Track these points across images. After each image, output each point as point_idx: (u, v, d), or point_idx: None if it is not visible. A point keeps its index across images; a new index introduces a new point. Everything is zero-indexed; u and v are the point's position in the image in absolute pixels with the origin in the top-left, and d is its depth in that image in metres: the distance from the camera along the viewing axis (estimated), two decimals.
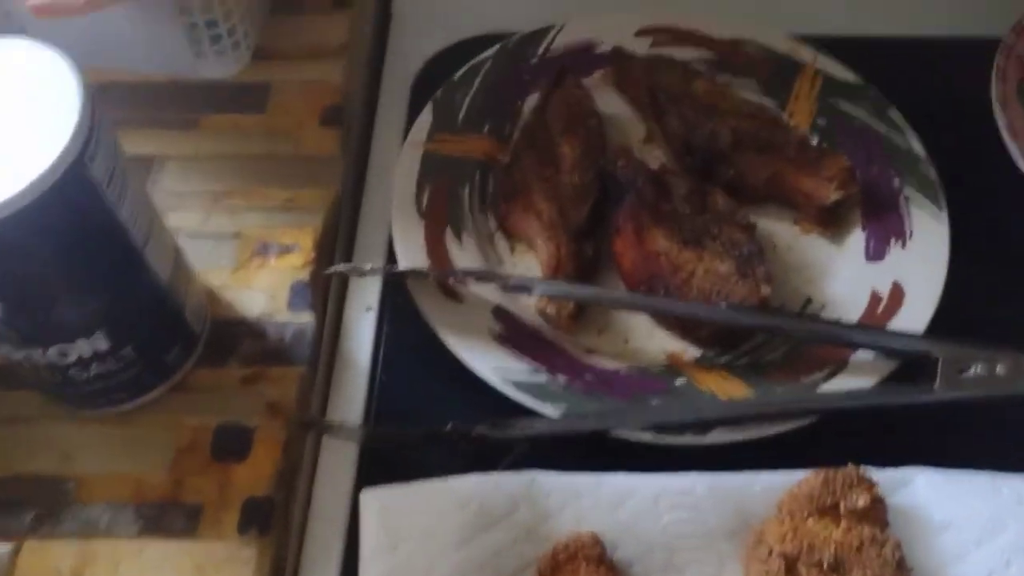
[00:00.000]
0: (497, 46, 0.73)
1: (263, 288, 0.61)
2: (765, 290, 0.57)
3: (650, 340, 0.61)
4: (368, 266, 0.60)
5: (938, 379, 0.53)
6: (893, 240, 0.63)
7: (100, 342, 0.50)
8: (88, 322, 0.49)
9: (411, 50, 0.77)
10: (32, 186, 0.42)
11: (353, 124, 0.71)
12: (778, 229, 0.66)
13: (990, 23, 0.73)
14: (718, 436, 0.54)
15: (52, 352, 0.49)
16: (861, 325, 0.58)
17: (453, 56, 0.75)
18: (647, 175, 0.63)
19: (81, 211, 0.45)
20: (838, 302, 0.61)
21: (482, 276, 0.59)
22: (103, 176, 0.45)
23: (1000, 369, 0.53)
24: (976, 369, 0.53)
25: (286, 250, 0.62)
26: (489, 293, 0.61)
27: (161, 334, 0.54)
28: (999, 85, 0.67)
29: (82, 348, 0.50)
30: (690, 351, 0.60)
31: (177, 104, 0.69)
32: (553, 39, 0.74)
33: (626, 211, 0.62)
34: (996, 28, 0.72)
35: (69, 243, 0.45)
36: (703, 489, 0.50)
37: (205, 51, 0.68)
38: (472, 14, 0.78)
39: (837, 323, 0.59)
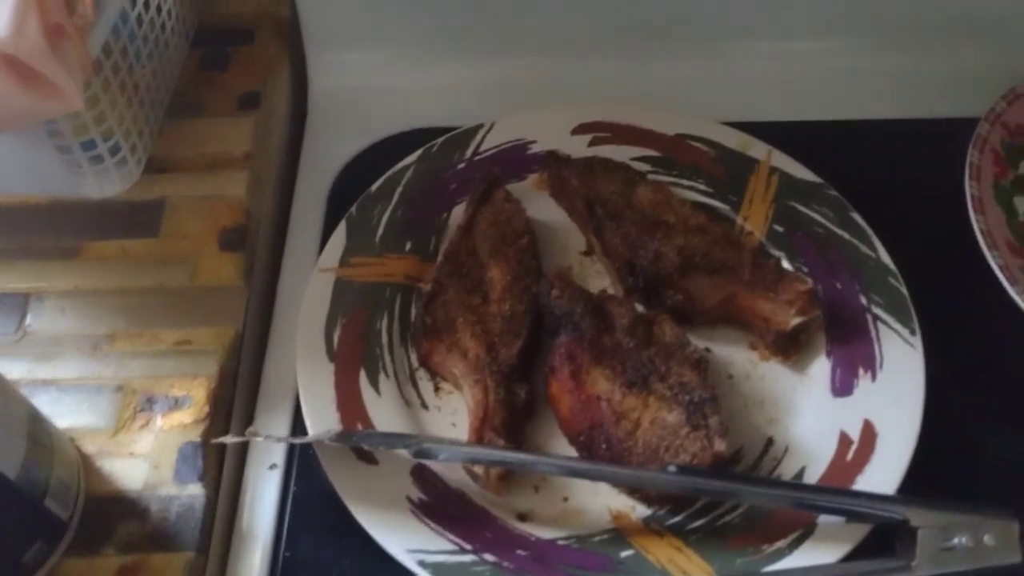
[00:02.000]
0: (420, 151, 0.65)
1: (146, 454, 0.53)
2: (719, 445, 0.50)
3: (594, 497, 0.53)
4: (262, 437, 0.53)
5: (917, 554, 0.46)
6: (862, 370, 0.56)
7: None
8: None
9: (328, 152, 0.70)
10: None
11: (259, 247, 0.63)
12: (734, 355, 0.59)
13: (962, 103, 0.66)
14: None
15: None
16: (828, 488, 0.51)
17: (375, 157, 0.68)
18: (585, 305, 0.56)
19: None
20: (803, 445, 0.54)
21: (390, 443, 0.51)
22: None
23: (988, 539, 0.46)
24: (961, 539, 0.46)
25: (175, 405, 0.55)
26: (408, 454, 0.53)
27: (13, 534, 0.46)
28: (973, 185, 0.61)
29: None
30: (638, 510, 0.53)
31: (57, 229, 0.62)
32: (482, 140, 0.66)
33: (562, 349, 0.55)
34: (970, 108, 0.65)
35: None
36: None
37: (85, 172, 0.60)
38: (396, 109, 0.72)
39: (801, 487, 0.52)
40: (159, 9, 0.63)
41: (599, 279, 0.62)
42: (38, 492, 0.47)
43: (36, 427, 0.47)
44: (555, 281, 0.57)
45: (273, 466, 0.56)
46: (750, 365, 0.58)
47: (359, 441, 0.51)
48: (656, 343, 0.55)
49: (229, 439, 0.52)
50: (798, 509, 0.49)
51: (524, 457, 0.51)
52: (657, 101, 0.69)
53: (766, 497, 0.49)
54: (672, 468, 0.49)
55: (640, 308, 0.58)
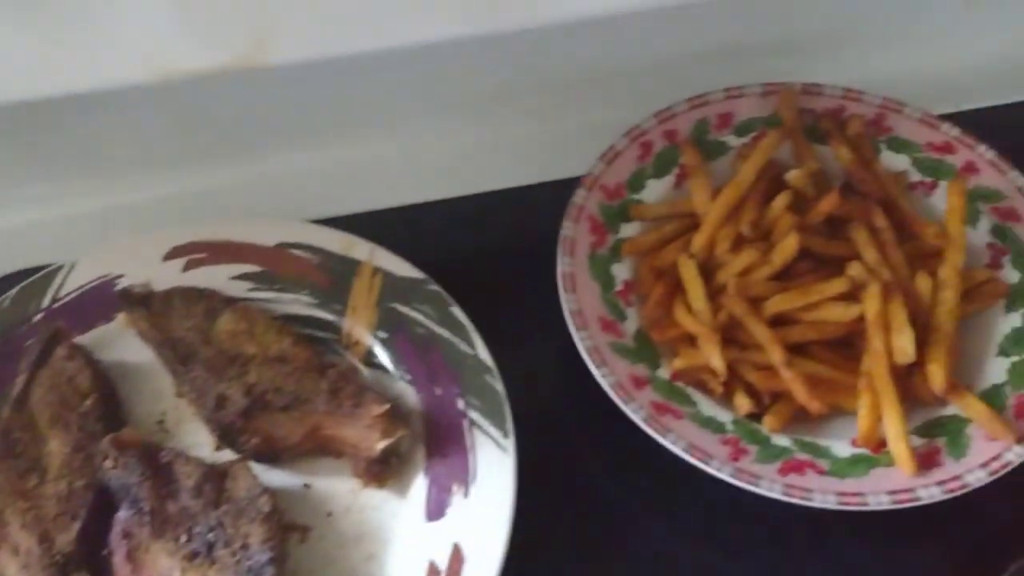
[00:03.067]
0: None
1: None
2: None
3: None
4: None
5: None
6: (456, 487, 0.53)
7: None
8: None
9: None
10: None
11: None
12: (336, 488, 0.55)
13: (556, 168, 0.65)
14: None
15: None
16: None
17: None
18: (144, 471, 0.51)
19: None
20: None
21: None
22: None
23: None
24: None
25: None
26: None
27: None
28: (566, 261, 0.59)
29: None
30: None
31: None
32: (63, 283, 0.61)
33: (118, 528, 0.50)
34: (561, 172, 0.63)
35: None
36: None
37: None
38: None
39: None
40: None
41: (195, 424, 0.57)
42: None
43: None
44: (109, 449, 0.51)
45: None
46: (351, 496, 0.55)
47: None
48: (228, 500, 0.51)
49: None
50: None
51: None
52: (261, 208, 0.65)
53: None
54: None
55: (223, 460, 0.53)
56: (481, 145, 0.68)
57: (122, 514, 0.50)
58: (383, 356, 0.59)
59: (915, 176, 0.64)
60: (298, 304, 0.61)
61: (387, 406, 0.53)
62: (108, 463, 0.51)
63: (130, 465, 0.51)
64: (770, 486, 0.50)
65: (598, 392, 0.53)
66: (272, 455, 0.54)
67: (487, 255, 0.63)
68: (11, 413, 0.54)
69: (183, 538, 0.49)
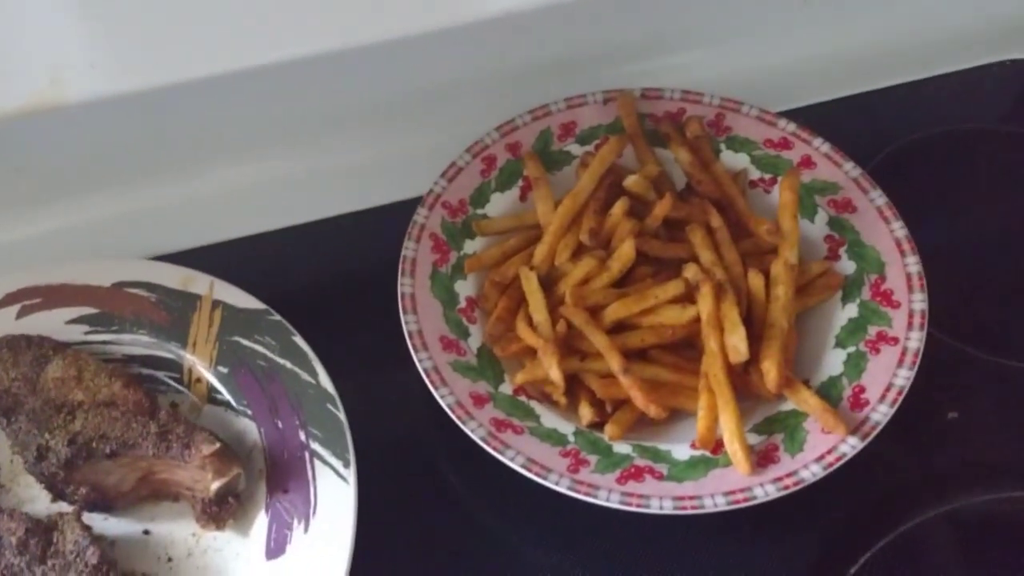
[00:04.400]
0: None
1: None
2: None
3: None
4: None
5: None
6: (296, 521, 0.52)
7: None
8: None
9: None
10: None
11: None
12: (175, 533, 0.54)
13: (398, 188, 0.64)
14: None
15: None
16: None
17: None
18: None
19: None
20: None
21: None
22: None
23: None
24: None
25: None
26: None
27: None
28: (405, 282, 0.58)
29: None
30: None
31: None
32: None
33: None
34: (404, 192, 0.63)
35: None
36: None
37: None
38: None
39: None
40: None
41: (30, 478, 0.55)
42: None
43: None
44: None
45: None
46: (193, 540, 0.53)
47: None
48: (54, 555, 0.49)
49: None
50: None
51: None
52: (99, 248, 0.63)
53: None
54: None
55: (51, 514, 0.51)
56: (318, 171, 0.68)
57: None
58: (225, 391, 0.57)
59: (755, 174, 0.65)
60: (137, 345, 0.59)
61: (217, 445, 0.51)
62: None
63: None
64: (608, 496, 0.50)
65: (443, 411, 0.53)
66: (105, 504, 0.52)
67: (329, 281, 0.63)
68: None
69: None
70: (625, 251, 0.57)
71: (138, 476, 0.52)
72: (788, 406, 0.54)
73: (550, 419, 0.54)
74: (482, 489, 0.56)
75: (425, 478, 0.56)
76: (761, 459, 0.51)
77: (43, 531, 0.50)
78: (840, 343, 0.56)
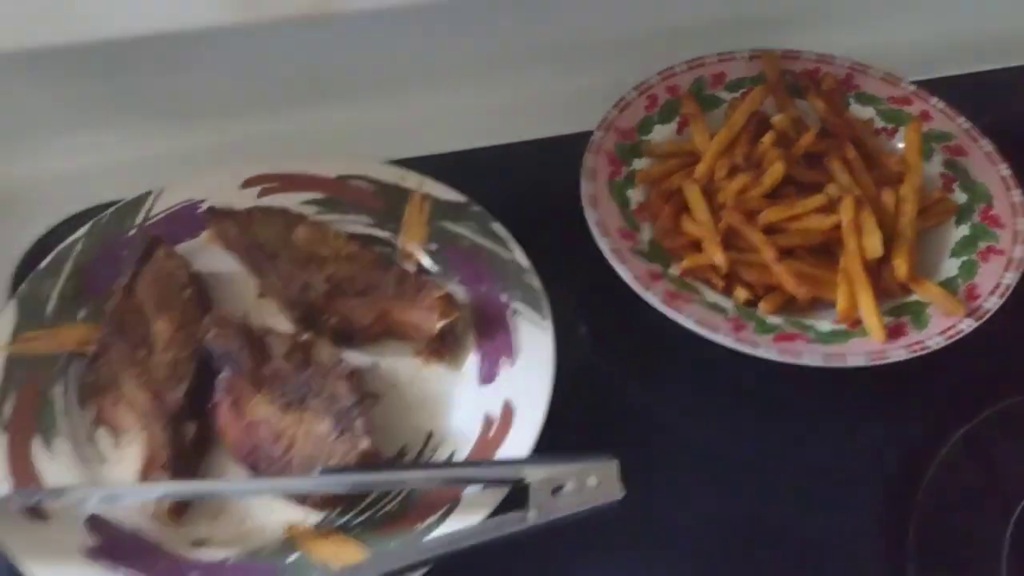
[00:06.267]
0: (90, 224, 0.69)
1: None
2: (363, 444, 0.55)
3: (270, 514, 0.57)
4: None
5: (530, 506, 0.52)
6: (503, 359, 0.62)
7: None
8: None
9: (7, 243, 0.72)
10: None
11: None
12: (400, 365, 0.64)
13: (577, 121, 0.75)
14: None
15: None
16: (460, 463, 0.57)
17: (54, 240, 0.70)
18: (243, 341, 0.60)
19: None
20: (455, 433, 0.60)
21: (57, 495, 0.54)
22: None
23: (592, 480, 0.52)
24: (569, 485, 0.52)
25: None
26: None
27: None
28: (588, 185, 0.69)
29: None
30: (311, 517, 0.57)
31: None
32: (152, 206, 0.70)
33: (222, 384, 0.59)
34: (583, 124, 0.74)
35: None
36: None
37: None
38: (72, 193, 0.74)
39: (437, 464, 0.57)
40: None
41: (275, 318, 0.66)
42: None
43: None
44: (213, 325, 0.61)
45: None
46: (414, 371, 0.64)
47: (22, 500, 0.54)
48: (313, 365, 0.60)
49: None
50: (435, 485, 0.55)
51: (182, 485, 0.55)
52: (324, 149, 0.75)
53: (401, 482, 0.55)
54: (317, 471, 0.54)
55: (306, 335, 0.62)
56: (508, 102, 0.79)
57: (224, 374, 0.59)
58: (434, 265, 0.69)
59: (879, 124, 0.76)
60: (358, 224, 0.71)
61: (445, 290, 0.63)
62: (211, 334, 0.60)
63: (230, 336, 0.60)
64: (767, 350, 0.61)
65: (620, 289, 0.64)
66: (347, 335, 0.63)
67: (519, 192, 0.73)
68: (121, 300, 0.63)
69: (278, 392, 0.58)
70: (776, 168, 0.68)
71: (376, 315, 0.63)
72: (912, 298, 0.65)
73: (711, 296, 0.65)
74: (649, 349, 0.66)
75: (601, 342, 0.67)
76: (891, 333, 0.62)
77: (302, 348, 0.61)
78: (955, 254, 0.67)
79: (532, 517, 0.52)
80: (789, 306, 0.65)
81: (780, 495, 0.60)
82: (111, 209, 0.70)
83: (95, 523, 0.55)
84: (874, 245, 0.64)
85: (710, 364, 0.64)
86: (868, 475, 0.61)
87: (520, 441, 0.58)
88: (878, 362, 0.60)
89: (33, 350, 0.62)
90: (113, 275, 0.67)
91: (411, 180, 0.72)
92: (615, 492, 0.52)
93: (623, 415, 0.63)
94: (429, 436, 0.61)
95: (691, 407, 0.65)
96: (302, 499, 0.57)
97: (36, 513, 0.55)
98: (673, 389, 0.66)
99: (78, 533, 0.55)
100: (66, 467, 0.58)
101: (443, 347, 0.63)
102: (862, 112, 0.76)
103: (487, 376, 0.62)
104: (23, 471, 0.57)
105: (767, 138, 0.71)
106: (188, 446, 0.58)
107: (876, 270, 0.65)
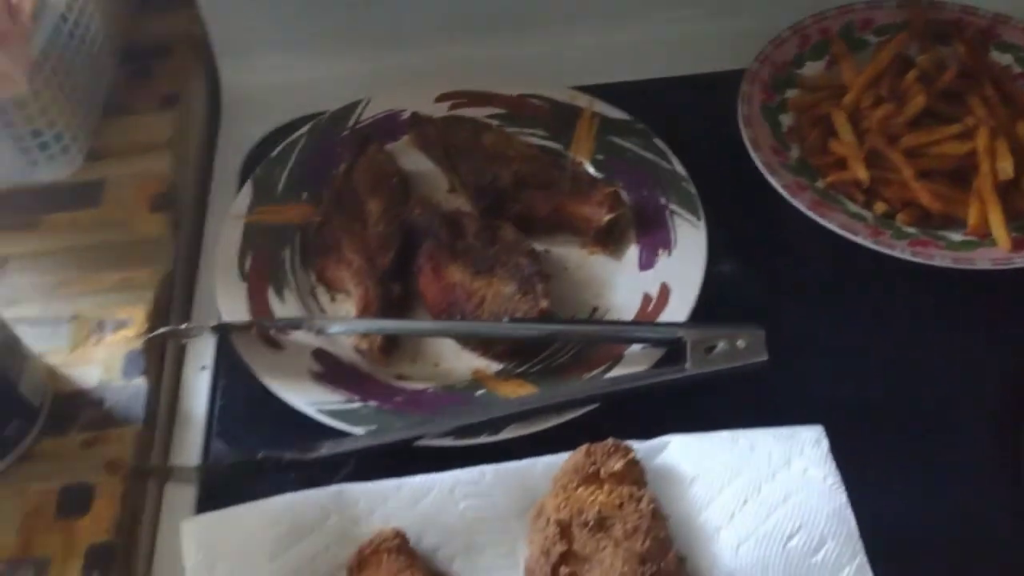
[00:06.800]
0: (310, 124, 0.81)
1: (99, 361, 0.66)
2: (543, 303, 0.65)
3: (458, 361, 0.68)
4: (184, 326, 0.67)
5: (688, 359, 0.61)
6: (661, 250, 0.71)
7: None
8: None
9: (240, 137, 0.85)
10: None
11: (184, 208, 0.78)
12: (568, 253, 0.74)
13: (732, 60, 0.84)
14: (510, 432, 0.61)
15: None
16: (626, 322, 0.66)
17: (277, 137, 0.83)
18: (441, 219, 0.71)
19: None
20: (617, 307, 0.69)
21: (294, 323, 0.66)
22: None
23: (741, 343, 0.61)
24: (721, 346, 0.61)
25: (120, 325, 0.68)
26: (308, 339, 0.67)
27: None
28: (744, 107, 0.78)
29: None
30: (492, 366, 0.67)
31: (18, 208, 0.76)
32: (361, 112, 0.82)
33: (425, 252, 0.70)
34: (736, 63, 0.82)
35: None
36: (491, 476, 0.57)
37: (37, 158, 0.74)
38: (294, 100, 0.87)
39: (605, 322, 0.67)
40: (88, 28, 0.78)
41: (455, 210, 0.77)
42: (12, 378, 0.60)
43: (5, 333, 0.61)
44: (417, 203, 0.72)
45: (204, 367, 0.69)
46: (581, 259, 0.74)
47: (268, 326, 0.66)
48: (499, 242, 0.70)
49: (163, 329, 0.66)
50: (604, 341, 0.65)
51: (396, 323, 0.66)
52: (507, 73, 0.85)
53: (579, 334, 0.65)
54: (507, 320, 0.64)
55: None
56: (675, 37, 0.88)
57: (426, 245, 0.70)
58: (599, 173, 0.78)
59: (1017, 70, 0.82)
60: (534, 137, 0.81)
61: (615, 188, 0.72)
62: (417, 211, 0.71)
63: (432, 213, 0.71)
64: (902, 251, 0.68)
65: (768, 198, 0.72)
66: (526, 224, 0.73)
67: (680, 116, 0.82)
68: (340, 183, 0.75)
69: (470, 262, 0.69)
70: (918, 100, 0.75)
71: (552, 206, 0.73)
72: None
73: (853, 207, 0.73)
74: (790, 252, 0.74)
75: (748, 245, 0.75)
76: (1016, 244, 0.68)
77: (492, 228, 0.71)
78: None
79: (688, 368, 0.61)
80: (924, 222, 0.72)
81: (908, 383, 0.67)
82: (327, 114, 0.82)
83: (319, 355, 0.67)
84: (1006, 168, 0.70)
85: (851, 273, 0.71)
86: (996, 371, 0.67)
87: (675, 315, 0.67)
88: (1002, 266, 0.66)
89: (266, 220, 0.75)
90: (329, 166, 0.78)
91: (582, 100, 0.82)
92: (761, 355, 0.61)
93: (766, 306, 0.71)
94: (594, 310, 0.70)
95: (827, 301, 0.72)
96: (486, 350, 0.67)
97: (272, 343, 0.67)
98: (812, 288, 0.73)
99: (306, 361, 0.66)
100: (294, 312, 0.70)
101: (608, 238, 0.73)
102: (1002, 58, 0.82)
103: (646, 263, 0.71)
104: (261, 311, 0.69)
105: (911, 74, 0.78)
106: (395, 301, 0.69)
107: (1006, 192, 0.71)
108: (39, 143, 0.73)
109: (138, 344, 0.67)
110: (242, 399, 0.67)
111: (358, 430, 0.61)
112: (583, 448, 0.55)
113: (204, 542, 0.54)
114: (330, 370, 0.66)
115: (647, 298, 0.69)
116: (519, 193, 0.73)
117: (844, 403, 0.64)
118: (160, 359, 0.69)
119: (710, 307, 0.67)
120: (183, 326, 0.67)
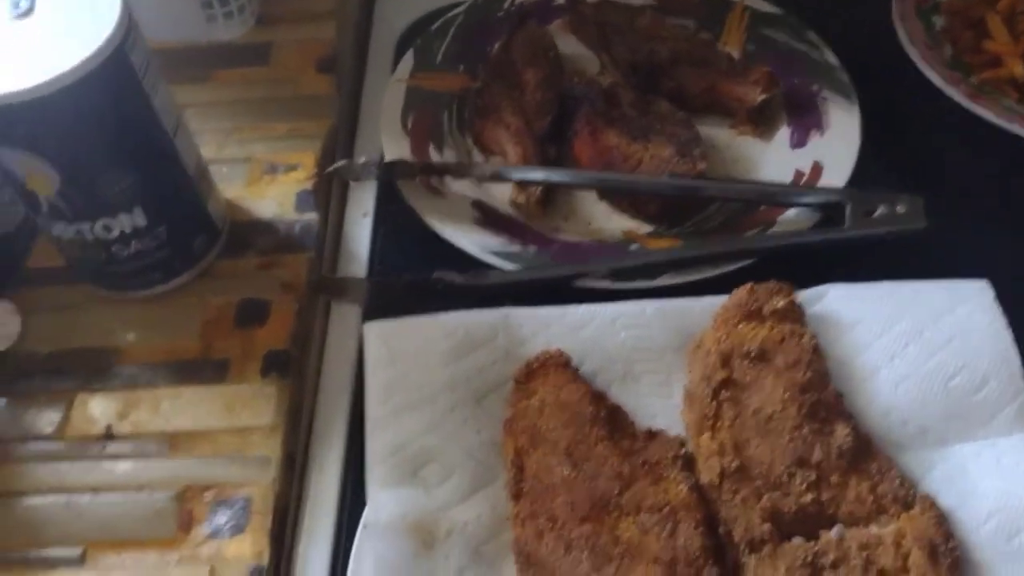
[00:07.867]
0: (468, 3, 0.84)
1: (273, 197, 0.70)
2: (701, 165, 0.67)
3: (609, 221, 0.70)
4: (361, 159, 0.70)
5: (848, 219, 0.62)
6: (813, 131, 0.73)
7: (138, 218, 0.60)
8: (127, 197, 0.58)
9: (394, 18, 0.88)
10: (83, 63, 0.52)
11: (345, 72, 0.82)
12: (717, 133, 0.76)
13: None
14: (667, 279, 0.63)
15: (98, 227, 0.59)
16: (784, 185, 0.68)
17: (431, 22, 0.85)
18: (598, 88, 0.73)
19: (122, 92, 0.55)
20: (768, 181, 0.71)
21: (460, 170, 0.69)
22: (140, 65, 0.56)
23: (900, 208, 0.62)
24: (881, 210, 0.63)
25: (291, 168, 0.72)
26: (468, 190, 0.70)
27: (189, 220, 0.63)
28: (899, 5, 0.78)
29: (123, 223, 0.59)
30: (644, 228, 0.70)
31: (192, 63, 0.80)
32: None
33: (582, 117, 0.72)
34: None
35: (111, 120, 0.55)
36: (652, 311, 0.59)
37: (216, 16, 0.79)
38: None
39: (766, 183, 0.69)
40: None
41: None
42: (204, 196, 0.64)
43: (199, 157, 0.65)
44: (574, 74, 0.74)
45: (365, 214, 0.73)
46: (729, 139, 0.75)
47: (436, 168, 0.69)
48: (653, 113, 0.72)
49: (341, 163, 0.70)
50: (764, 201, 0.66)
51: (557, 173, 0.69)
52: None
53: (735, 191, 0.67)
54: (667, 176, 0.66)
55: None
56: None
57: (584, 111, 0.72)
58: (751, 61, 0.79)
59: None
60: (686, 29, 0.83)
61: (769, 69, 0.74)
62: (576, 80, 0.74)
63: (590, 83, 0.74)
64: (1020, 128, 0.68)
65: (919, 89, 0.73)
66: (679, 101, 0.75)
67: (832, 13, 0.83)
68: (499, 54, 0.78)
69: (626, 128, 0.71)
70: None
71: (704, 85, 0.75)
72: None
73: (1006, 102, 0.73)
74: (941, 138, 0.75)
75: (902, 131, 0.76)
76: None
77: (645, 101, 0.73)
78: None
79: (849, 229, 0.62)
80: None
81: None
82: None
83: (479, 205, 0.70)
84: None
85: (1006, 165, 0.72)
86: None
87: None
88: None
89: (425, 85, 0.78)
90: (485, 43, 0.81)
91: None
92: (920, 222, 0.62)
93: (921, 182, 0.71)
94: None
95: (985, 191, 0.73)
96: (639, 210, 0.70)
97: (435, 190, 0.70)
98: (967, 176, 0.74)
99: (467, 209, 0.69)
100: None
101: (760, 118, 0.74)
102: None
103: (798, 142, 0.73)
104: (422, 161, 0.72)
105: None
106: (550, 162, 0.72)
107: None
108: (223, 10, 0.78)
109: (309, 184, 0.71)
110: (402, 245, 0.71)
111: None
112: (746, 286, 0.57)
113: (386, 341, 0.57)
114: (489, 218, 0.69)
115: (799, 173, 0.70)
116: (673, 70, 0.75)
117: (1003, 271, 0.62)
118: (327, 203, 0.72)
119: (861, 187, 0.68)
120: (361, 159, 0.71)
